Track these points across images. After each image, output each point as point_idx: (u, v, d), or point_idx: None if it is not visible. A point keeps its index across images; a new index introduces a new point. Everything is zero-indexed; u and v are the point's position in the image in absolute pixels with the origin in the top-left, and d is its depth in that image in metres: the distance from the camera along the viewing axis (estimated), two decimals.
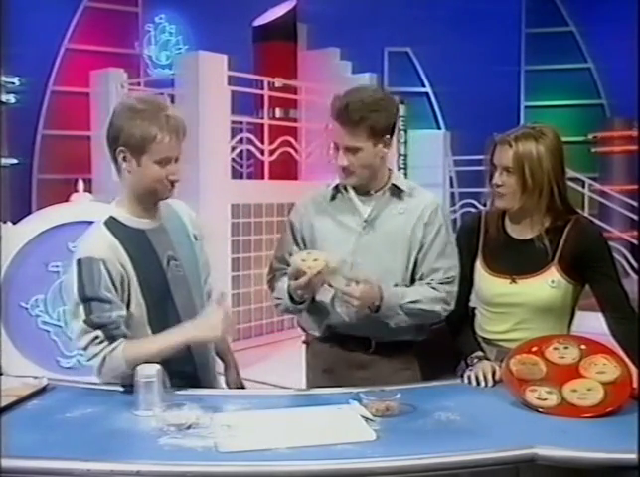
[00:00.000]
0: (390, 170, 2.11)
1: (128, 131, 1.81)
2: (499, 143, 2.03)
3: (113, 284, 1.81)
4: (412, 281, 2.06)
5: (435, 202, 2.10)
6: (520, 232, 2.07)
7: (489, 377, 1.93)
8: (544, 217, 2.03)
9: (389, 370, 2.07)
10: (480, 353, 2.04)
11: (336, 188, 2.11)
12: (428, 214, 2.05)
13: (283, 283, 2.04)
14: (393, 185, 2.07)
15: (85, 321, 1.80)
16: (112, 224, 1.89)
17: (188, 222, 2.06)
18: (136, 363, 1.76)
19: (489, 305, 2.11)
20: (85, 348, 1.83)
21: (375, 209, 2.06)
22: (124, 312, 1.83)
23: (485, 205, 2.24)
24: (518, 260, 2.04)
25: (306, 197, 2.19)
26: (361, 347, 2.07)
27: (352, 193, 2.08)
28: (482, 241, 2.11)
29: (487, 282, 2.08)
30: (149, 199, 1.91)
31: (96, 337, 1.80)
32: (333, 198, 2.12)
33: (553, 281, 2.00)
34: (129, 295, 1.86)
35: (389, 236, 2.04)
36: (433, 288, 2.03)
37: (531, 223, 2.05)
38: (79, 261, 1.81)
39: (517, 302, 2.04)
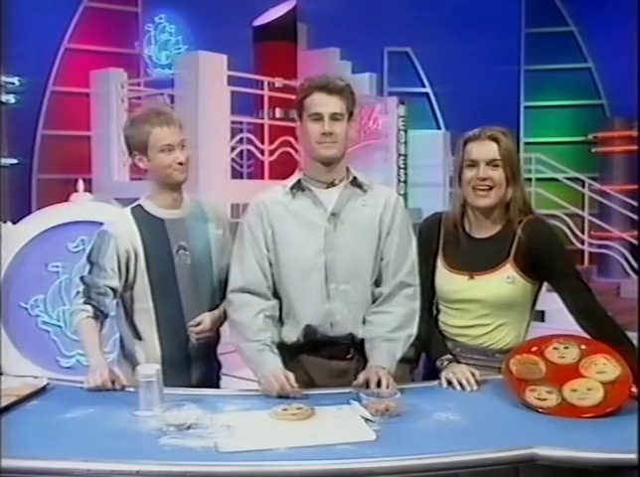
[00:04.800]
0: (347, 166, 2.09)
1: (130, 137, 2.13)
2: (475, 140, 2.06)
3: (118, 258, 2.09)
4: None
5: (395, 194, 2.15)
6: (478, 231, 2.12)
7: (472, 381, 1.93)
8: (503, 216, 2.09)
9: None
10: (449, 355, 2.05)
11: (297, 185, 2.06)
12: (393, 203, 2.08)
13: (261, 349, 1.93)
14: (354, 178, 2.07)
15: (81, 278, 2.11)
16: (137, 210, 2.18)
17: (212, 218, 2.24)
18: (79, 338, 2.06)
19: (448, 301, 2.14)
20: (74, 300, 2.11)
21: (339, 201, 2.04)
22: (115, 283, 2.09)
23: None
24: (476, 258, 2.09)
25: (258, 200, 2.11)
26: (339, 354, 2.03)
27: (313, 187, 2.05)
28: (442, 240, 2.15)
29: (446, 279, 2.12)
30: (169, 185, 2.13)
31: (78, 292, 2.09)
32: (294, 196, 2.06)
33: (508, 277, 2.05)
34: (135, 273, 2.11)
35: (357, 228, 2.03)
36: (403, 295, 2.03)
37: (490, 222, 2.10)
38: (98, 232, 2.14)
39: (474, 298, 2.08)
